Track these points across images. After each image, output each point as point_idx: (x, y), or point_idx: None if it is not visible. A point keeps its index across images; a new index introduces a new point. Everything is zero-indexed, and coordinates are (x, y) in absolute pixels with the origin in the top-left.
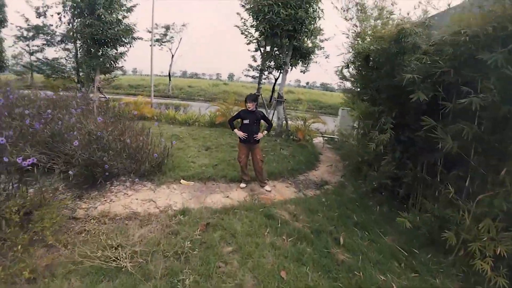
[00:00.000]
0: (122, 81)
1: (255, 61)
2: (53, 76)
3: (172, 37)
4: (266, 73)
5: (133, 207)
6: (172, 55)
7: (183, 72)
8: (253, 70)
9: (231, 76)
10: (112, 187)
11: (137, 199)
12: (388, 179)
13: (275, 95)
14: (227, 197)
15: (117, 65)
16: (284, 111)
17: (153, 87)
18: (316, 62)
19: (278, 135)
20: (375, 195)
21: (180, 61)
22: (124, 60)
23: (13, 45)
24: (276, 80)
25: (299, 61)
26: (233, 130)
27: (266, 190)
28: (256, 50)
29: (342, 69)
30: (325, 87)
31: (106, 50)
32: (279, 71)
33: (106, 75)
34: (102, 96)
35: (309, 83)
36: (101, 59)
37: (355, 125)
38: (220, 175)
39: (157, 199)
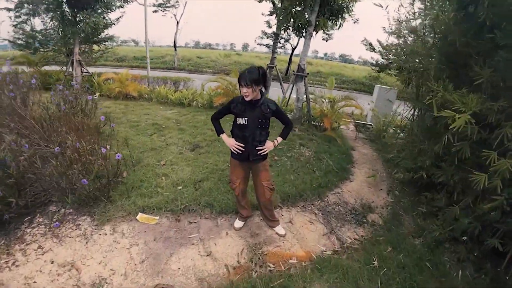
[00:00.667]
0: (128, 52)
1: (270, 27)
2: (41, 50)
3: (176, 1)
4: (282, 41)
5: (40, 281)
6: (177, 22)
7: (195, 42)
8: (267, 38)
9: (245, 46)
10: (29, 229)
11: (52, 262)
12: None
13: (294, 67)
14: (208, 255)
15: (103, 34)
16: (306, 89)
17: (159, 58)
18: (356, 21)
19: (296, 122)
20: (451, 243)
21: (193, 31)
22: (110, 27)
23: None
24: (293, 49)
25: (329, 21)
26: (219, 135)
27: (278, 235)
28: (270, 14)
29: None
30: (344, 58)
31: (87, 15)
32: (300, 34)
33: (101, 46)
34: (85, 71)
35: (327, 55)
36: (78, 26)
37: (401, 110)
38: (204, 203)
39: (86, 261)
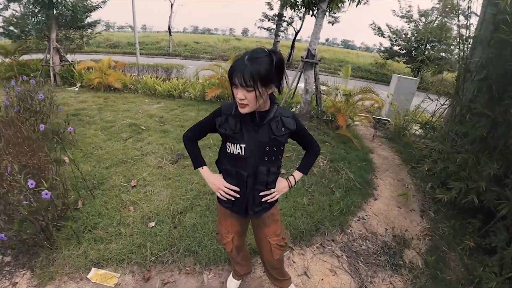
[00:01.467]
0: (122, 38)
1: (271, 8)
2: (23, 38)
3: None
4: (284, 24)
5: None
6: (171, 4)
7: (194, 27)
8: (268, 20)
9: (245, 31)
10: None
11: None
12: None
13: (297, 53)
14: None
15: (85, 18)
16: (317, 78)
17: (155, 44)
18: (366, 2)
19: (304, 118)
20: None
21: (191, 15)
22: (94, 11)
23: None
24: (296, 33)
25: None
26: (196, 168)
27: None
28: None
29: None
30: (346, 44)
31: None
32: (310, 12)
33: (85, 32)
34: (64, 59)
35: (329, 40)
36: (55, 9)
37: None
38: (185, 250)
39: None
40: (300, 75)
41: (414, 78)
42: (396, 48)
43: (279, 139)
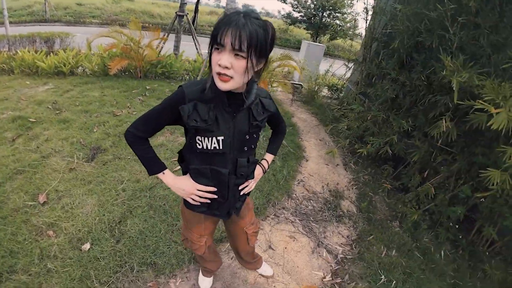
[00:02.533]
0: None
1: None
2: None
3: None
4: None
5: None
6: None
7: None
8: None
9: None
10: None
11: None
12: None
13: (202, 17)
14: None
15: None
16: None
17: (25, 9)
18: None
19: None
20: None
21: None
22: None
23: None
24: None
25: None
26: (154, 174)
27: (265, 277)
28: None
29: None
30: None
31: None
32: None
33: None
34: None
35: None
36: None
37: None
38: (140, 264)
39: None
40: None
41: (321, 44)
42: (297, 14)
43: (260, 124)
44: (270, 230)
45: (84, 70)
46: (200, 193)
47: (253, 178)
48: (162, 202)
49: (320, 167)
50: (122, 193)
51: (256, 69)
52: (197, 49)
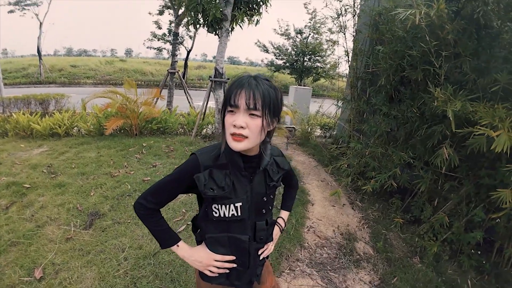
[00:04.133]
0: None
1: (160, 28)
2: None
3: None
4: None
5: None
6: (40, 23)
7: (67, 49)
8: (158, 40)
9: (128, 52)
10: None
11: None
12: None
13: (190, 72)
14: None
15: None
16: None
17: (20, 71)
18: (258, 23)
19: (219, 138)
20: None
21: (63, 35)
22: None
23: None
24: (188, 52)
25: (246, 15)
26: (168, 247)
27: None
28: (160, 13)
29: None
30: (232, 60)
31: None
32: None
33: None
34: None
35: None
36: None
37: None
38: None
39: None
40: (209, 94)
41: (308, 88)
42: (280, 62)
43: (277, 184)
44: (287, 287)
45: (79, 130)
46: (219, 264)
47: (272, 240)
48: (168, 269)
49: (327, 209)
50: (124, 262)
51: (270, 128)
52: (189, 102)
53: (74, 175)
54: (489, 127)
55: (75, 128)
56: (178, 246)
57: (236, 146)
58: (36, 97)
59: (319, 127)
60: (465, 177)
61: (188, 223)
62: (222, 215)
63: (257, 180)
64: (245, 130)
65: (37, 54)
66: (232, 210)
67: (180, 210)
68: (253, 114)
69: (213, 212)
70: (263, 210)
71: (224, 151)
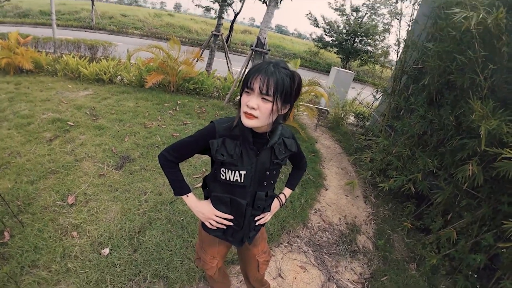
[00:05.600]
0: (32, 6)
1: None
2: None
3: None
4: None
5: None
6: None
7: None
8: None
9: (177, 6)
10: None
11: None
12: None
13: (235, 36)
14: None
15: None
16: None
17: (73, 14)
18: None
19: None
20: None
21: None
22: None
23: None
24: (236, 15)
25: None
26: (180, 195)
27: None
28: None
29: None
30: (280, 29)
31: None
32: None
33: None
34: None
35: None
36: None
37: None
38: (152, 276)
39: None
40: (248, 63)
41: (350, 72)
42: (328, 39)
43: (281, 162)
44: (281, 257)
45: (122, 79)
46: (218, 219)
47: (269, 211)
48: (181, 217)
49: (339, 197)
50: (145, 204)
51: (281, 113)
52: (228, 67)
53: (112, 120)
54: None
55: (119, 77)
56: (187, 196)
57: (247, 122)
58: (86, 42)
59: (353, 114)
60: (485, 199)
61: None
62: (227, 178)
63: (263, 155)
64: (256, 111)
65: None
66: (236, 176)
67: (201, 168)
68: (265, 98)
69: (221, 175)
70: (265, 182)
71: (237, 124)
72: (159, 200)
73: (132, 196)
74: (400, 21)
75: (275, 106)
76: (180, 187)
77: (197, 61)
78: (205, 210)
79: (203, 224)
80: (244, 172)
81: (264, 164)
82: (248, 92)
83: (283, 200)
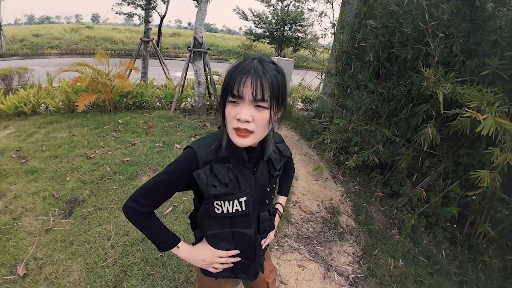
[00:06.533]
0: None
1: None
2: None
3: None
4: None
5: None
6: None
7: (28, 17)
8: (128, 5)
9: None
10: None
11: None
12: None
13: (165, 40)
14: None
15: None
16: (209, 69)
17: None
18: None
19: (201, 112)
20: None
21: (23, 3)
22: None
23: None
24: (162, 18)
25: None
26: (168, 249)
27: None
28: None
29: None
30: (208, 27)
31: None
32: None
33: None
34: None
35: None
36: None
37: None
38: None
39: None
40: (187, 66)
41: (290, 59)
42: (259, 30)
43: (280, 173)
44: (277, 262)
45: (47, 108)
46: (223, 260)
47: (274, 228)
48: (159, 254)
49: (310, 184)
50: (111, 251)
51: (275, 118)
52: (165, 73)
53: (46, 159)
54: (476, 110)
55: (42, 105)
56: (178, 248)
57: (242, 142)
58: None
59: (300, 100)
60: (444, 155)
61: (175, 204)
62: (225, 211)
63: (261, 171)
64: (250, 124)
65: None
66: (236, 206)
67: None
68: (259, 106)
69: (215, 209)
70: (266, 200)
71: (226, 145)
72: (128, 242)
73: (93, 246)
74: (332, 4)
75: (272, 113)
76: (165, 241)
77: (130, 72)
78: (205, 256)
79: (203, 270)
80: (244, 198)
81: (264, 180)
82: (234, 102)
83: (282, 211)
